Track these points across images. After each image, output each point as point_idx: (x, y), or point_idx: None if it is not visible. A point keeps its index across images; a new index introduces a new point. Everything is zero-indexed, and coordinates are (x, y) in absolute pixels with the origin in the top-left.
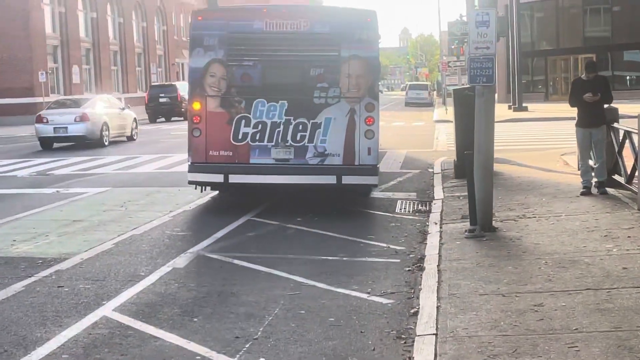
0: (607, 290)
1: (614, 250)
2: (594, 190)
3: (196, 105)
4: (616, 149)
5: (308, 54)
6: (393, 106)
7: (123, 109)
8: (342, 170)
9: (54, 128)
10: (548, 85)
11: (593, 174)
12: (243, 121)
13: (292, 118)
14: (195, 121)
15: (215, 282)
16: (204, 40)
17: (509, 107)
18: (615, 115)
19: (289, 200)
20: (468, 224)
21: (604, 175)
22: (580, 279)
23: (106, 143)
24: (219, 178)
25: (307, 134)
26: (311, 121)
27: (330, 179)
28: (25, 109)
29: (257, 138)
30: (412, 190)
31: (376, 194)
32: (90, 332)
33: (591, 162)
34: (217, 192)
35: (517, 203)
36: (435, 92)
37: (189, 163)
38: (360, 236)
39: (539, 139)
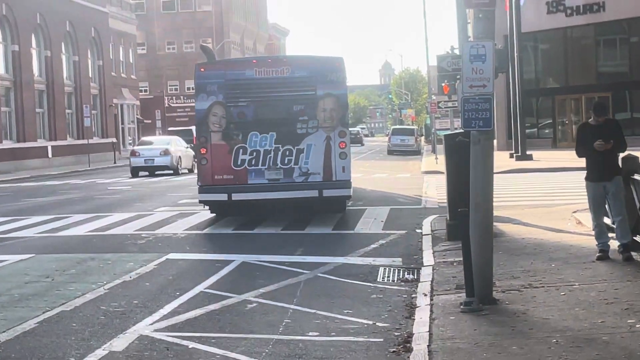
0: None
1: (638, 326)
2: (613, 255)
3: (202, 142)
4: (637, 206)
5: (290, 94)
6: (373, 155)
7: (187, 147)
8: (323, 185)
9: (144, 160)
10: (556, 130)
11: (612, 234)
12: (241, 150)
13: (280, 146)
14: (202, 152)
15: None
16: (206, 87)
17: (511, 156)
18: (635, 165)
19: (249, 269)
20: (464, 295)
21: (627, 237)
22: None
23: (180, 172)
24: (223, 197)
25: (293, 158)
26: (296, 147)
27: (314, 193)
28: None
29: (253, 163)
30: (397, 255)
31: (353, 259)
32: None
33: (607, 221)
34: (165, 257)
35: (522, 270)
36: (423, 138)
37: (199, 185)
38: (335, 310)
39: (546, 193)
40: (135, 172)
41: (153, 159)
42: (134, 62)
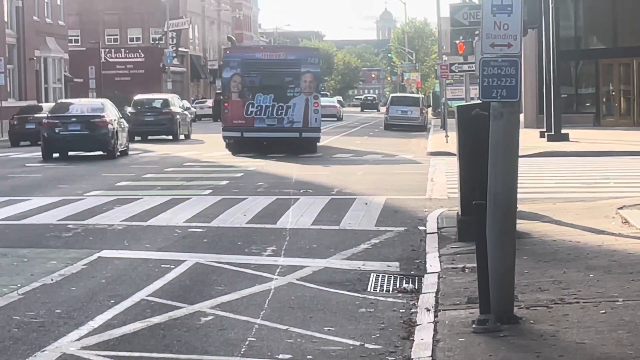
0: None
1: None
2: None
3: (225, 98)
4: None
5: (283, 70)
6: (367, 129)
7: None
8: (302, 129)
9: None
10: (600, 103)
11: None
12: (250, 105)
13: (276, 103)
14: (225, 105)
15: None
16: (230, 63)
17: (541, 135)
18: None
19: (205, 272)
20: (477, 311)
21: None
22: None
23: None
24: (238, 134)
25: (284, 111)
26: (286, 105)
27: (296, 134)
28: None
29: (258, 114)
30: (393, 258)
31: (338, 263)
32: None
33: None
34: (97, 255)
35: (552, 280)
36: (430, 110)
37: (222, 127)
38: (313, 327)
39: (585, 184)
40: None
41: None
42: (62, 4)
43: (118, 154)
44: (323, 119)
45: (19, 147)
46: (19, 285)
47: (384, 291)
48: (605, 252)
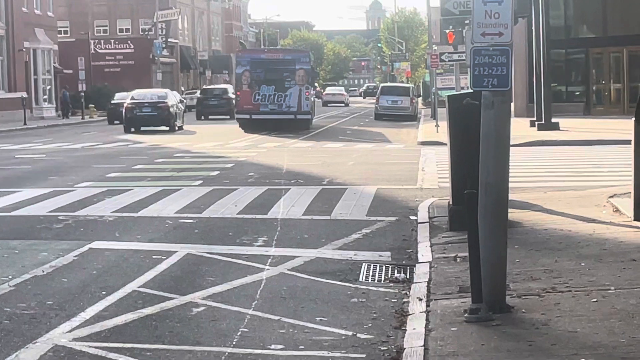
0: None
1: None
2: None
3: (238, 89)
4: None
5: (282, 67)
6: (357, 119)
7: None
8: (296, 112)
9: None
10: (590, 92)
11: None
12: (257, 94)
13: (276, 92)
14: (238, 94)
15: None
16: (241, 62)
17: (532, 124)
18: None
19: (196, 263)
20: (469, 300)
21: None
22: None
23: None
24: (247, 116)
25: (283, 98)
26: (284, 94)
27: (292, 116)
28: None
29: (263, 101)
30: (385, 248)
31: (329, 253)
32: None
33: None
34: (88, 246)
35: (544, 269)
36: (420, 99)
37: (235, 111)
38: (305, 318)
39: (576, 173)
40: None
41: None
42: None
43: (177, 129)
44: (334, 104)
45: (113, 124)
46: (10, 277)
47: (376, 281)
48: (597, 240)
